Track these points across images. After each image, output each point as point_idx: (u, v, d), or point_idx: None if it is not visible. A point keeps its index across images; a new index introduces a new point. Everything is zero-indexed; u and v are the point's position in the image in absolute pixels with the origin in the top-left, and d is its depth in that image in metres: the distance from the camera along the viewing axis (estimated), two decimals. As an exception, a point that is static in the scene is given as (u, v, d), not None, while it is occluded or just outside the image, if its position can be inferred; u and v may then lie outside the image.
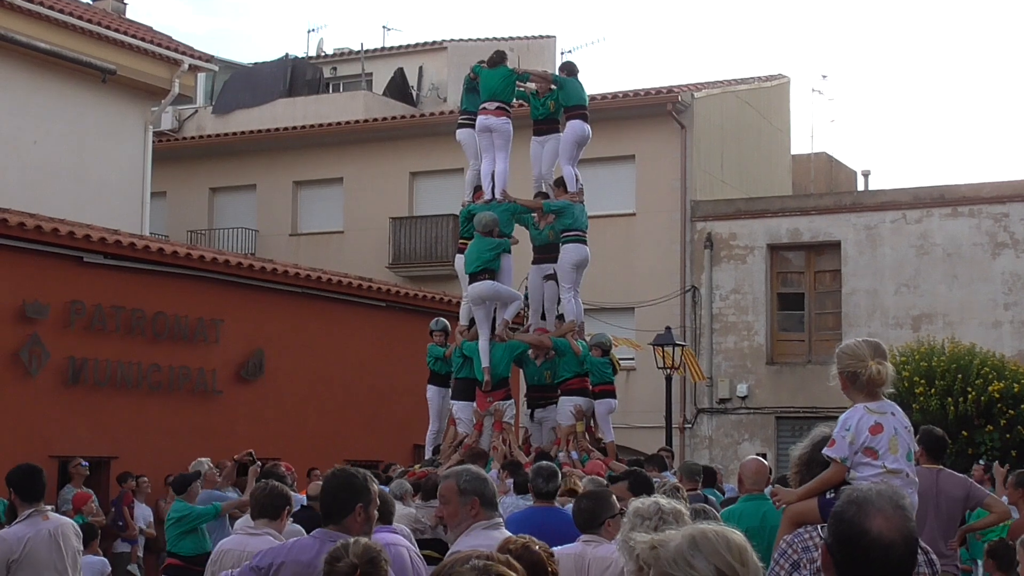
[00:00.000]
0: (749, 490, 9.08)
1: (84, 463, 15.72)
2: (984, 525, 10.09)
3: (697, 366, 25.47)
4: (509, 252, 15.55)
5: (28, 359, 16.17)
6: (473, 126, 16.20)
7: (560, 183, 16.00)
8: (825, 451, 5.51)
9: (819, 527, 4.71)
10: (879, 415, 5.51)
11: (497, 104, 15.76)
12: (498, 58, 16.11)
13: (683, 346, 23.00)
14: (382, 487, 12.24)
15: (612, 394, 15.57)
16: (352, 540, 4.95)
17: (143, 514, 16.37)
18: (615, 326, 24.09)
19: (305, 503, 11.72)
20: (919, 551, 4.81)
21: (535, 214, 16.09)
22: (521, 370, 16.23)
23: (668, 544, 3.18)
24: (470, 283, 15.32)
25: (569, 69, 16.31)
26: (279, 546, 6.14)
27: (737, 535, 3.19)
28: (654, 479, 12.86)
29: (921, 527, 8.32)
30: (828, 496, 5.45)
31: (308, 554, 5.61)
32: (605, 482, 10.20)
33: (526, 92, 16.61)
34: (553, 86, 16.17)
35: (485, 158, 15.89)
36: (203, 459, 13.84)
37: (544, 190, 16.25)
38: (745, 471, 9.16)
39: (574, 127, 15.95)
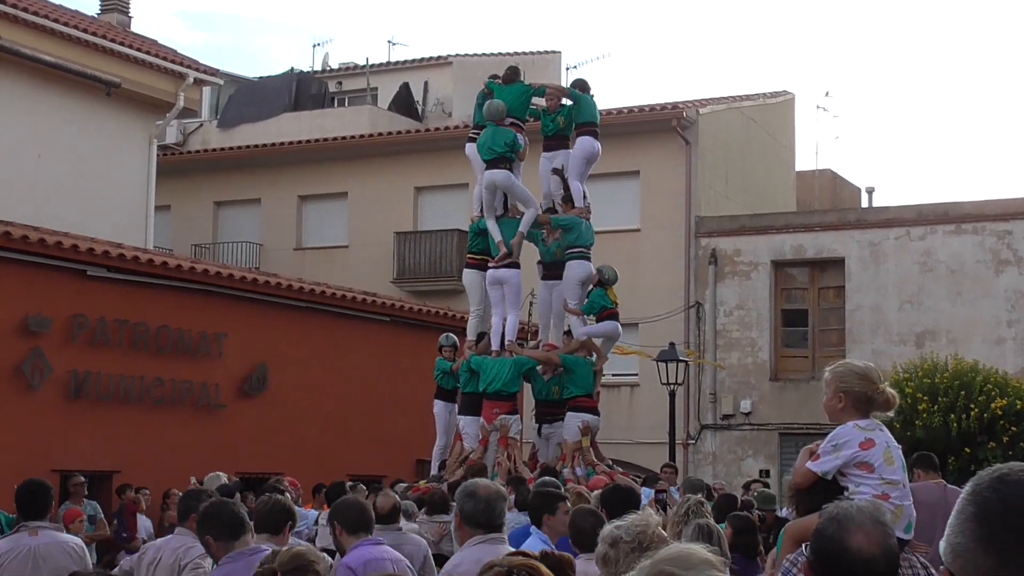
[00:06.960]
0: None
1: (83, 478, 15.46)
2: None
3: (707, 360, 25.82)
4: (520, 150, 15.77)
5: (31, 373, 16.13)
6: (483, 141, 16.25)
7: (568, 199, 16.03)
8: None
9: None
10: (869, 431, 5.58)
11: (512, 120, 15.83)
12: (513, 74, 16.17)
13: (686, 362, 22.98)
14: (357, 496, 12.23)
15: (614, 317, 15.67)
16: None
17: (144, 525, 16.29)
18: (619, 341, 24.02)
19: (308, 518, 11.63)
20: (919, 566, 4.83)
21: (543, 230, 16.11)
22: (529, 385, 16.23)
23: None
24: (486, 170, 15.50)
25: (582, 86, 16.39)
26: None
27: (699, 552, 2.88)
28: (661, 493, 12.93)
29: (931, 540, 8.32)
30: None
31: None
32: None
33: (536, 109, 16.65)
34: (568, 100, 16.26)
35: None
36: (220, 473, 13.70)
37: (552, 206, 16.28)
38: None
39: (584, 143, 16.00)
